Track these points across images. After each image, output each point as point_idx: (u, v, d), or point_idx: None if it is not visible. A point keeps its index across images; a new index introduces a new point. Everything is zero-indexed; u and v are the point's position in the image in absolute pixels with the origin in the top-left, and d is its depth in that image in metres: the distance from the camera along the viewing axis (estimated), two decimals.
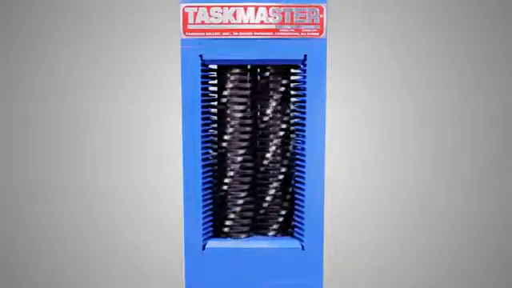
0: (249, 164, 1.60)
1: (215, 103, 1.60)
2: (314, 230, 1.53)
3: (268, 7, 1.46)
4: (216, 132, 1.61)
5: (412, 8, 2.35)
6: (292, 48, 1.47)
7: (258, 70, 1.61)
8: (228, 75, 1.56)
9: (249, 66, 1.59)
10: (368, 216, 2.29)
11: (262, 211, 1.64)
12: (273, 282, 1.54)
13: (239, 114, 1.56)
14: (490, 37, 2.36)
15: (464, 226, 2.27)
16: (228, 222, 1.60)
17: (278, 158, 1.61)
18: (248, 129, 1.58)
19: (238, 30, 1.47)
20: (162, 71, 2.25)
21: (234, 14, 1.46)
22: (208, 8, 1.46)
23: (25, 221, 2.29)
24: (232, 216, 1.60)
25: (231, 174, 1.59)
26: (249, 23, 1.47)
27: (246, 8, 1.46)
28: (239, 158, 1.58)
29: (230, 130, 1.57)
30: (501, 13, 2.35)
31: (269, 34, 1.47)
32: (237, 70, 1.56)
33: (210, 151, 1.59)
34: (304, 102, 1.51)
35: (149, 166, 2.32)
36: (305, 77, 1.50)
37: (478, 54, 2.36)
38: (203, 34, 1.47)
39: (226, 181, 1.59)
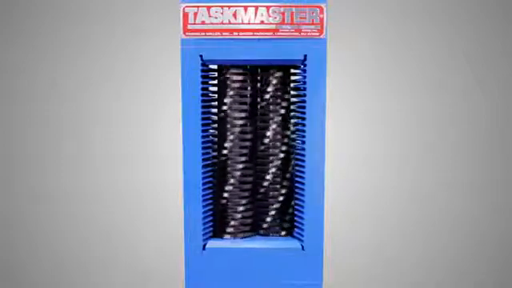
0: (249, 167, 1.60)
1: (215, 103, 1.60)
2: (314, 230, 1.53)
3: (268, 7, 1.46)
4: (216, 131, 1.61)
5: (412, 7, 2.35)
6: (292, 48, 1.47)
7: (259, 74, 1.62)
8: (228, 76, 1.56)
9: (248, 67, 1.59)
10: (368, 216, 2.29)
11: (264, 211, 1.64)
12: (273, 282, 1.54)
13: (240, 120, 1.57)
14: (490, 37, 2.36)
15: (464, 226, 2.27)
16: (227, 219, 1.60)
17: (278, 143, 1.61)
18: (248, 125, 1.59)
19: (238, 30, 1.47)
20: (161, 71, 2.25)
21: (234, 14, 1.46)
22: (208, 8, 1.46)
23: (25, 221, 2.29)
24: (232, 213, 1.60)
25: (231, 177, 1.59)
26: (249, 23, 1.47)
27: (246, 8, 1.46)
28: (241, 157, 1.58)
29: (231, 137, 1.57)
30: (501, 13, 2.35)
31: (269, 34, 1.47)
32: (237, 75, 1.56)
33: (210, 151, 1.59)
34: (304, 102, 1.51)
35: (149, 166, 2.32)
36: (305, 77, 1.50)
37: (478, 54, 2.36)
38: (203, 34, 1.47)
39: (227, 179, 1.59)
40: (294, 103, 1.61)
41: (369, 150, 2.34)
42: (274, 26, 1.47)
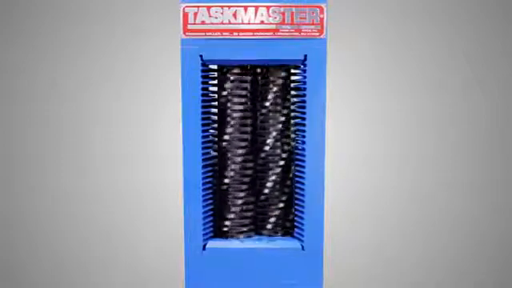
0: (249, 163, 1.60)
1: (215, 103, 1.60)
2: (314, 230, 1.53)
3: (268, 7, 1.46)
4: (216, 132, 1.61)
5: (412, 7, 2.35)
6: (292, 48, 1.47)
7: (259, 70, 1.62)
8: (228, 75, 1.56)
9: (249, 67, 1.59)
10: (368, 216, 2.29)
11: (261, 211, 1.64)
12: (273, 282, 1.54)
13: (239, 114, 1.57)
14: (490, 37, 2.36)
15: (464, 226, 2.26)
16: (228, 219, 1.60)
17: (278, 158, 1.61)
18: (248, 124, 1.58)
19: (238, 30, 1.47)
20: (161, 71, 2.25)
21: (234, 14, 1.46)
22: (208, 8, 1.46)
23: (25, 221, 2.29)
24: (233, 212, 1.60)
25: (231, 173, 1.59)
26: (249, 23, 1.47)
27: (246, 8, 1.46)
28: (239, 159, 1.58)
29: (230, 129, 1.57)
30: (501, 13, 2.35)
31: (269, 34, 1.47)
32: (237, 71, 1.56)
33: (210, 151, 1.59)
34: (304, 102, 1.51)
35: (149, 166, 2.32)
36: (305, 77, 1.50)
37: (478, 54, 2.36)
38: (203, 34, 1.47)
39: (226, 180, 1.59)
40: (294, 103, 1.61)
41: (369, 150, 2.34)
42: (274, 26, 1.47)
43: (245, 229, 1.61)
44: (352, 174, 2.32)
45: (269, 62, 1.54)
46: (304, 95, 1.51)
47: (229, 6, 1.46)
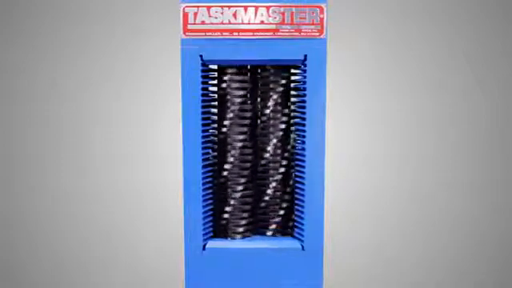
0: (249, 158, 1.60)
1: (215, 102, 1.60)
2: (314, 230, 1.53)
3: (268, 7, 1.46)
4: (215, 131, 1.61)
5: (412, 7, 2.35)
6: (292, 48, 1.47)
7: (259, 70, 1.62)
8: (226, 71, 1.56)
9: (249, 66, 1.59)
10: (368, 216, 2.29)
11: (261, 211, 1.64)
12: (273, 282, 1.54)
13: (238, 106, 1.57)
14: (490, 37, 2.36)
15: (464, 226, 2.26)
16: (226, 216, 1.60)
17: (278, 158, 1.61)
18: (247, 121, 1.58)
19: (238, 30, 1.47)
20: (161, 71, 2.25)
21: (234, 14, 1.46)
22: (208, 8, 1.46)
23: (25, 221, 2.29)
24: (231, 207, 1.59)
25: (230, 165, 1.59)
26: (249, 23, 1.47)
27: (246, 8, 1.46)
28: (238, 152, 1.58)
29: (229, 119, 1.57)
30: (501, 13, 2.35)
31: (269, 34, 1.47)
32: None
33: (210, 151, 1.59)
34: (304, 102, 1.51)
35: (149, 166, 2.32)
36: (305, 77, 1.50)
37: (478, 54, 2.36)
38: (203, 34, 1.47)
39: (225, 172, 1.59)
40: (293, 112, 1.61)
41: (369, 150, 2.34)
42: (274, 26, 1.47)
43: (243, 229, 1.61)
44: (352, 173, 2.32)
45: (269, 62, 1.54)
46: (304, 95, 1.51)
47: (229, 6, 1.46)
